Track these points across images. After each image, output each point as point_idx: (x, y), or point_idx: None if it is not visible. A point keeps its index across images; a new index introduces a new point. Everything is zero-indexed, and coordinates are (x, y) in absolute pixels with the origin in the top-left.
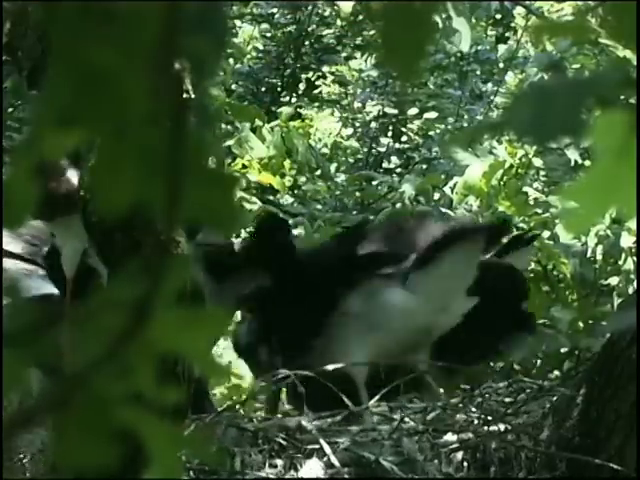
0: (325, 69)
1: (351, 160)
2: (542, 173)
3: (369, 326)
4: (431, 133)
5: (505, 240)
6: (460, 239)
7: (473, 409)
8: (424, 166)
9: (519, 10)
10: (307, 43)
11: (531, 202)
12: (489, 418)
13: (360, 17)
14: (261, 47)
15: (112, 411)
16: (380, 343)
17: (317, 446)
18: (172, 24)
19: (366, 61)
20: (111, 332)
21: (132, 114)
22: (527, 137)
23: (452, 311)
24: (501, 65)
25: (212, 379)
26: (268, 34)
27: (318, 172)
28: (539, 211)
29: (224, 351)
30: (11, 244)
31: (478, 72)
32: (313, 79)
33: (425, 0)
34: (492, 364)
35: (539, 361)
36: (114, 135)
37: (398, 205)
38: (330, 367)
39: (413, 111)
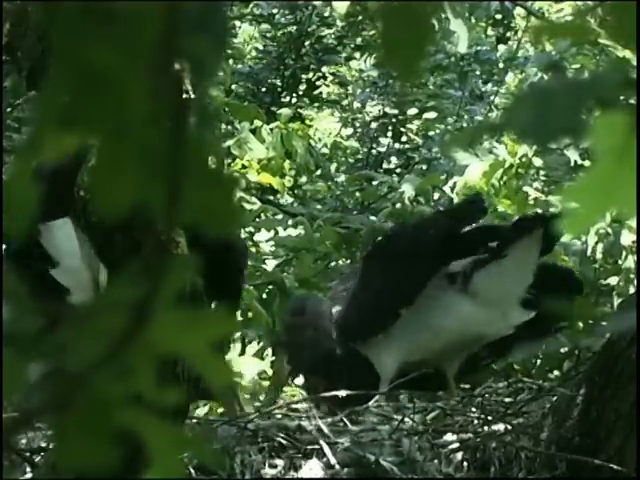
0: (325, 69)
1: (351, 160)
2: (542, 173)
3: (419, 326)
4: (431, 133)
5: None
6: (520, 236)
7: (473, 409)
8: (424, 166)
9: (519, 10)
10: (307, 43)
11: (531, 202)
12: (489, 418)
13: (360, 17)
14: (261, 47)
15: (112, 412)
16: (425, 344)
17: (317, 446)
18: (172, 24)
19: (366, 61)
20: (111, 333)
21: (132, 114)
22: (527, 138)
23: (508, 320)
24: (501, 65)
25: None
26: (268, 34)
27: (318, 172)
28: (539, 211)
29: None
30: None
31: (478, 72)
32: (313, 79)
33: (424, 0)
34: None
35: (539, 361)
36: (114, 135)
37: (398, 205)
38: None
39: (413, 111)
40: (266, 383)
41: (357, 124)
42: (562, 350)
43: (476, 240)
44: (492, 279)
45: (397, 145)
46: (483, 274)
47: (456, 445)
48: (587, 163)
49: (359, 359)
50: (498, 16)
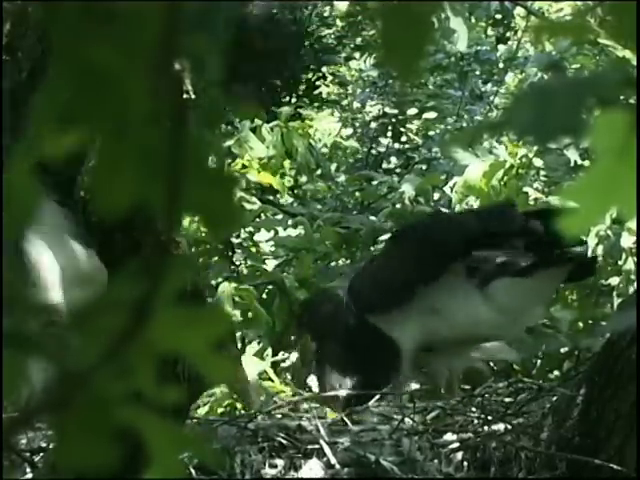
0: (325, 69)
1: (351, 160)
2: (542, 173)
3: (432, 311)
4: (431, 133)
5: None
6: (551, 262)
7: (473, 409)
8: (424, 166)
9: (519, 10)
10: (307, 43)
11: (531, 202)
12: (489, 418)
13: (360, 17)
14: None
15: (112, 411)
16: (436, 330)
17: (317, 446)
18: (172, 24)
19: (366, 61)
20: (111, 332)
21: (132, 114)
22: (527, 137)
23: (518, 326)
24: (501, 65)
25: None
26: None
27: (318, 172)
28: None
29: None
30: None
31: (478, 72)
32: (313, 79)
33: (424, 0)
34: (492, 364)
35: (539, 361)
36: (114, 135)
37: (398, 205)
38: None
39: (413, 111)
40: (266, 383)
41: (357, 124)
42: (562, 350)
43: (501, 245)
44: (510, 291)
45: (397, 145)
46: (503, 284)
47: (456, 445)
48: (587, 163)
49: (372, 330)
50: (498, 16)
